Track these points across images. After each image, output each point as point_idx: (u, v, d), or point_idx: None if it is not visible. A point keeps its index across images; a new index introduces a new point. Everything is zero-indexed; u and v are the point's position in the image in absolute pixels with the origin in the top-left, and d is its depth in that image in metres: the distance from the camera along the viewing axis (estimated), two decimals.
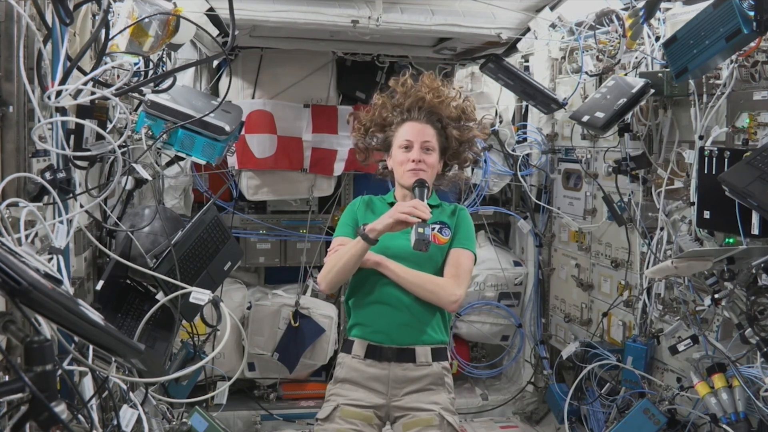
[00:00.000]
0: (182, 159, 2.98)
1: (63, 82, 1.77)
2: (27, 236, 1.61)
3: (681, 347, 2.77)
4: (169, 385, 2.97)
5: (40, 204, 1.78)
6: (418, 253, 2.10)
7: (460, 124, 2.42)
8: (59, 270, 1.70)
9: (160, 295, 2.58)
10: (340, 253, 2.26)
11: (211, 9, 2.76)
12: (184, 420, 2.95)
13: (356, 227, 2.35)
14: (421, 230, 2.07)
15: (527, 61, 4.21)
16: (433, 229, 2.30)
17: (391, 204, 2.39)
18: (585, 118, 3.07)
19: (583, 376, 3.33)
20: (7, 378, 1.49)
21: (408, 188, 2.33)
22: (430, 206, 2.23)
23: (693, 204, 2.69)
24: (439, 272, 2.34)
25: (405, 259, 2.29)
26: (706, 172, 2.54)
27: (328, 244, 2.78)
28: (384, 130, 2.43)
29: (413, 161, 2.30)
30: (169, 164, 3.23)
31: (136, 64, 2.38)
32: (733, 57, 2.52)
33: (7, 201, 1.56)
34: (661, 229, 3.00)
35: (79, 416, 1.69)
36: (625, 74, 3.16)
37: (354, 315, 2.40)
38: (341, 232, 2.39)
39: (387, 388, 2.31)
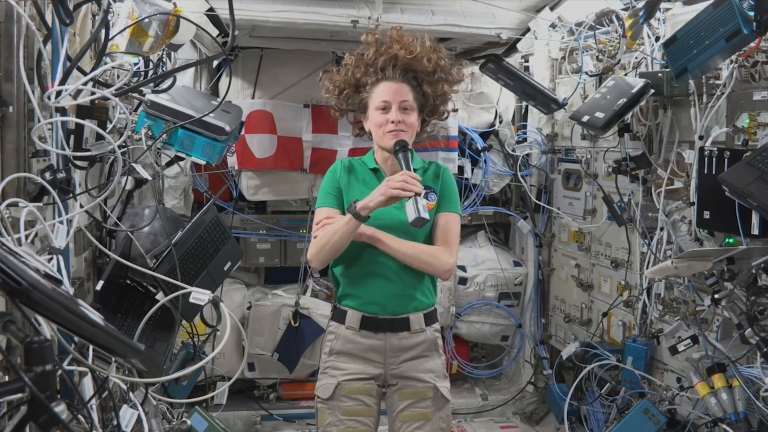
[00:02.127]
0: (182, 159, 2.99)
1: (63, 82, 1.77)
2: (27, 236, 1.61)
3: (681, 347, 2.77)
4: (169, 385, 2.97)
5: (40, 204, 1.78)
6: (407, 221, 2.09)
7: (435, 77, 2.34)
8: (59, 270, 1.70)
9: (160, 295, 2.58)
10: (331, 231, 2.21)
11: (211, 9, 2.76)
12: (184, 420, 2.96)
13: (339, 196, 2.32)
14: (419, 207, 2.06)
15: (527, 61, 4.20)
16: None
17: (374, 170, 2.35)
18: (585, 118, 3.06)
19: (583, 376, 3.33)
20: (7, 378, 1.49)
21: (388, 150, 2.28)
22: (414, 170, 2.20)
23: (693, 204, 2.69)
24: (428, 237, 2.33)
25: (394, 228, 2.26)
26: (706, 172, 2.54)
27: None
28: (359, 90, 2.36)
29: (392, 122, 2.25)
30: (169, 164, 3.24)
31: (136, 64, 2.38)
32: (733, 57, 2.52)
33: (7, 201, 1.56)
34: (661, 229, 3.00)
35: (79, 416, 1.69)
36: (625, 74, 3.16)
37: (344, 285, 2.36)
38: (325, 202, 2.33)
39: (384, 357, 2.31)
